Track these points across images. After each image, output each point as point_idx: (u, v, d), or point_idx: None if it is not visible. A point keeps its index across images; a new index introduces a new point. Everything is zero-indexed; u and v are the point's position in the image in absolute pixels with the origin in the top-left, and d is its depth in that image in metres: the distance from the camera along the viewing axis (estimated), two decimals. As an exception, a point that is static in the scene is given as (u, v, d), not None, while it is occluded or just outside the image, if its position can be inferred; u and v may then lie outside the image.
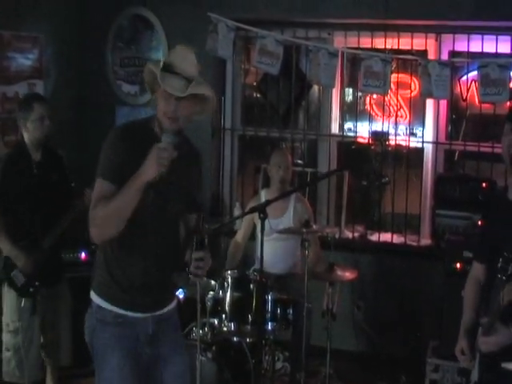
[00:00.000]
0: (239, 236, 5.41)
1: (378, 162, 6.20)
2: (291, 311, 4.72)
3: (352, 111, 6.19)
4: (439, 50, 5.72)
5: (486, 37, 5.54)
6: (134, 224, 2.99)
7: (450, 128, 5.95)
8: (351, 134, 6.06)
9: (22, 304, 4.57)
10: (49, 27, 6.03)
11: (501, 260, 3.12)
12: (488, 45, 5.54)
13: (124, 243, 3.08)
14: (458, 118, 6.06)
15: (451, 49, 5.71)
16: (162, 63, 3.00)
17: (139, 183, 2.89)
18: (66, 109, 6.23)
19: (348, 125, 6.16)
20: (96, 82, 6.46)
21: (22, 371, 4.63)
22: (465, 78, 5.69)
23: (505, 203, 3.29)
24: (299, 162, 6.42)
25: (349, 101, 6.30)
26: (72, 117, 6.38)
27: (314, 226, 4.96)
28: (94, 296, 3.19)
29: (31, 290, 4.59)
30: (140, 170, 2.88)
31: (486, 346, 3.12)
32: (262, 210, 3.70)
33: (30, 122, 4.54)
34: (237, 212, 6.04)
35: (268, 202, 3.78)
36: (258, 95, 6.47)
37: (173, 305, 3.31)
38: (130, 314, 3.13)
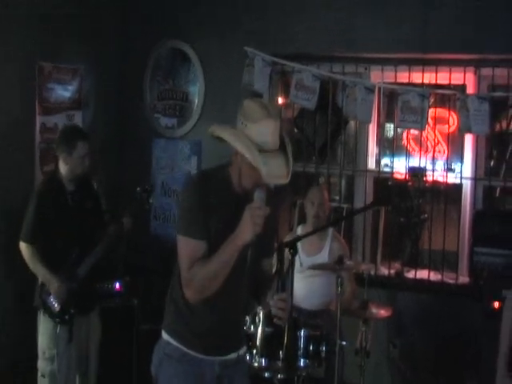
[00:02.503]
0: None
1: (415, 198, 6.10)
2: (324, 348, 4.65)
3: (389, 146, 6.13)
4: (478, 84, 5.63)
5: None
6: None
7: (489, 164, 5.84)
8: (388, 170, 5.99)
9: (58, 331, 4.61)
10: (88, 59, 6.12)
11: None
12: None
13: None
14: (498, 153, 5.94)
15: (490, 83, 5.61)
16: (250, 142, 2.81)
17: (237, 246, 2.86)
18: (104, 140, 6.29)
19: (385, 160, 6.09)
20: (134, 114, 6.53)
21: None
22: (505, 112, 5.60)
23: None
24: (336, 197, 6.37)
25: (386, 136, 6.23)
26: (110, 148, 6.44)
27: (348, 263, 4.88)
28: (164, 333, 3.17)
29: (67, 317, 4.63)
30: (236, 233, 2.84)
31: None
32: (291, 245, 3.65)
33: (72, 158, 4.59)
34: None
35: (298, 238, 3.72)
36: (295, 130, 6.44)
37: (242, 350, 3.29)
38: (197, 355, 3.11)
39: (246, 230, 2.81)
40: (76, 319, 4.67)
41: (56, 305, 4.59)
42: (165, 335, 3.17)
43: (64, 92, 5.89)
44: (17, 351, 5.40)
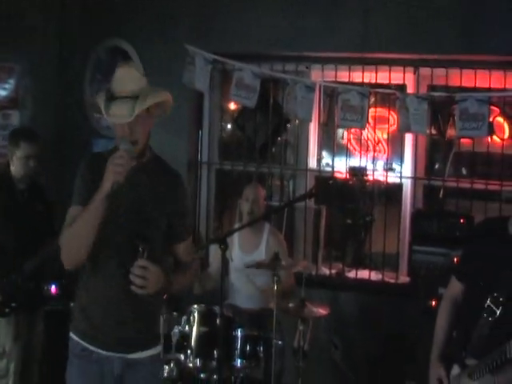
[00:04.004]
0: (211, 268, 5.31)
1: (359, 199, 6.10)
2: (261, 348, 4.59)
3: (330, 146, 6.11)
4: (417, 84, 5.65)
5: (464, 71, 5.48)
6: (100, 253, 2.96)
7: (429, 163, 5.86)
8: (329, 169, 5.96)
9: None
10: (25, 58, 6.01)
11: (489, 299, 3.02)
12: (467, 79, 5.48)
13: (92, 274, 3.03)
14: (437, 153, 5.97)
15: (430, 83, 5.64)
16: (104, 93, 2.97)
17: (99, 195, 2.84)
18: (43, 140, 6.15)
19: (326, 159, 6.08)
20: (74, 114, 6.42)
21: None
22: (444, 112, 5.61)
23: (503, 236, 3.15)
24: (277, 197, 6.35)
25: (327, 135, 6.20)
26: (48, 148, 6.30)
27: (286, 260, 4.84)
28: (70, 331, 3.15)
29: (7, 310, 4.55)
30: (100, 186, 2.86)
31: None
32: (221, 240, 3.62)
33: (16, 158, 4.59)
34: (212, 247, 5.93)
35: (229, 233, 3.69)
36: (236, 129, 6.41)
37: (150, 352, 3.16)
38: (94, 349, 3.05)
39: (106, 176, 2.83)
40: (20, 317, 4.61)
41: None
42: (70, 333, 3.14)
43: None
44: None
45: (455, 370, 3.18)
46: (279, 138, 6.20)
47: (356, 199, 6.12)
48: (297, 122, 6.07)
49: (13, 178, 4.66)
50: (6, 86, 5.84)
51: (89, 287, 3.06)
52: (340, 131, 6.07)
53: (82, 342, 3.06)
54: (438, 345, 3.33)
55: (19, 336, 4.63)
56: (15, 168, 4.64)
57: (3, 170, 4.78)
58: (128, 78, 2.96)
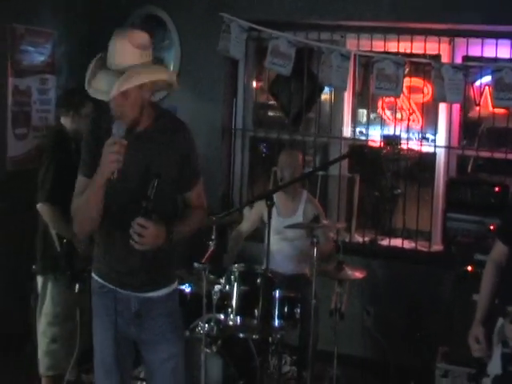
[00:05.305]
0: (243, 226, 5.36)
1: (388, 172, 6.14)
2: (299, 310, 4.63)
3: (364, 115, 6.14)
4: (453, 55, 5.68)
5: (499, 41, 5.49)
6: (112, 207, 3.01)
7: (462, 133, 5.89)
8: (363, 138, 6.00)
9: (77, 289, 4.49)
10: (62, 24, 6.04)
11: None
12: (502, 50, 5.50)
13: (105, 225, 3.08)
14: (470, 123, 5.99)
15: (465, 53, 5.66)
16: (99, 63, 2.90)
17: (99, 181, 2.87)
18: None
19: (360, 129, 6.11)
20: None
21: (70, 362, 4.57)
22: (478, 83, 5.63)
23: None
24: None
25: (361, 104, 6.24)
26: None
27: (324, 222, 4.88)
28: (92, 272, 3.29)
29: (85, 274, 4.53)
30: (99, 168, 2.85)
31: None
32: (268, 196, 3.65)
33: (80, 117, 4.62)
34: (246, 213, 5.96)
35: (275, 189, 3.72)
36: (270, 97, 6.43)
37: (167, 290, 3.24)
38: (112, 287, 3.15)
39: (104, 165, 2.81)
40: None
41: (78, 263, 4.48)
42: (92, 273, 3.27)
43: (37, 55, 5.80)
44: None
45: (499, 322, 3.21)
46: (313, 107, 6.21)
47: (389, 169, 6.16)
48: (331, 90, 6.08)
49: (69, 139, 4.63)
50: (44, 50, 5.86)
51: (103, 236, 3.15)
52: (374, 101, 6.09)
53: (100, 280, 3.19)
54: (482, 307, 3.34)
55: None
56: (78, 127, 4.60)
57: (59, 131, 4.74)
58: (122, 50, 2.83)
